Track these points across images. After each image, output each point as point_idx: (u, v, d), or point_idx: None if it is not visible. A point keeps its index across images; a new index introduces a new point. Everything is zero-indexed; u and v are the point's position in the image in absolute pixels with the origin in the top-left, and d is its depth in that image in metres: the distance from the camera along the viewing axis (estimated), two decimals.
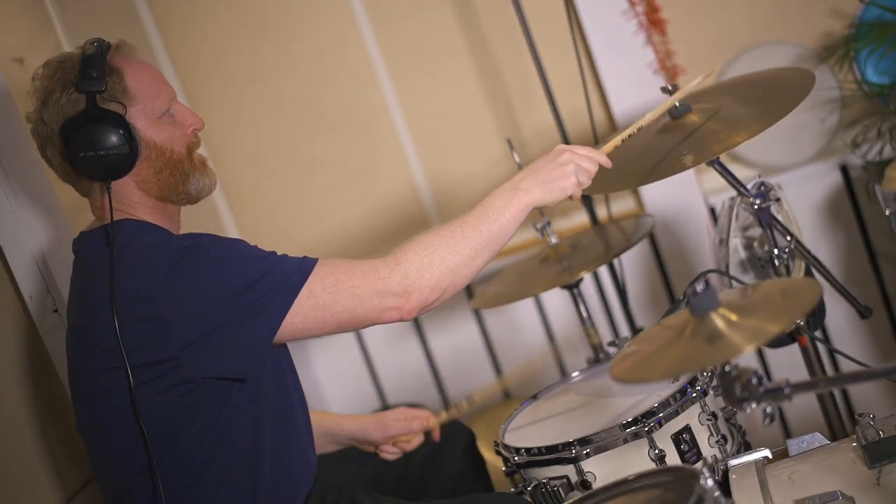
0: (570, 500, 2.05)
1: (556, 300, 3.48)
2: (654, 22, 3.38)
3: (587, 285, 3.18)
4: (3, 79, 2.64)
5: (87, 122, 2.03)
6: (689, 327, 1.61)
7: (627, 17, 3.32)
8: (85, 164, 2.05)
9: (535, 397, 2.51)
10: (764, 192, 2.45)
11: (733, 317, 1.58)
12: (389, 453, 2.49)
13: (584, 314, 2.82)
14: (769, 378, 3.31)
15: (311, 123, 3.66)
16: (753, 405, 1.58)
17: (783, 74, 2.48)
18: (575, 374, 2.54)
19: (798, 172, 3.33)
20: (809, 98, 3.16)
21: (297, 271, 2.01)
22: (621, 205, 3.39)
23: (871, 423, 1.93)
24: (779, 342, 2.61)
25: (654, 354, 1.64)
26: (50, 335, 2.50)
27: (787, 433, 3.33)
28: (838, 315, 3.21)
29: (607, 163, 2.19)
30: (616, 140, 2.24)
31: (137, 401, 1.97)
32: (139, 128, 2.07)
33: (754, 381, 1.58)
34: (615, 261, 3.02)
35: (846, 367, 3.26)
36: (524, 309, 3.56)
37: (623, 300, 3.08)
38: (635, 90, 3.27)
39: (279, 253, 2.07)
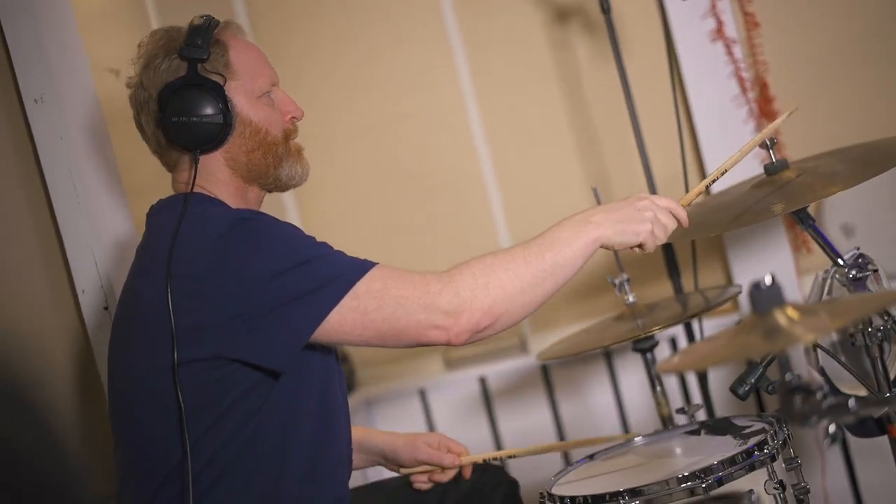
0: None
1: (631, 368, 3.30)
2: (765, 113, 3.27)
3: (663, 351, 3.00)
4: (93, 85, 2.65)
5: (184, 87, 1.99)
6: (749, 324, 1.44)
7: (738, 104, 3.21)
8: (177, 131, 2.00)
9: (591, 457, 2.33)
10: (861, 263, 2.28)
11: (796, 315, 1.41)
12: (422, 483, 2.33)
13: (656, 381, 2.63)
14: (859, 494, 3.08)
15: (404, 183, 3.61)
16: (815, 421, 1.40)
17: (888, 140, 2.33)
18: (638, 438, 2.36)
19: None
20: None
21: (349, 269, 1.91)
22: (710, 279, 3.21)
23: None
24: (867, 431, 2.39)
25: (708, 349, 1.48)
26: (97, 333, 2.43)
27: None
28: None
29: (685, 220, 2.05)
30: (700, 186, 2.12)
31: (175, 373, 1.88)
32: (236, 103, 2.03)
33: (818, 394, 1.41)
34: (696, 328, 2.84)
35: None
36: (596, 374, 3.39)
37: (701, 373, 2.89)
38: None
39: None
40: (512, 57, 3.50)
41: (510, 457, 2.43)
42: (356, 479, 3.00)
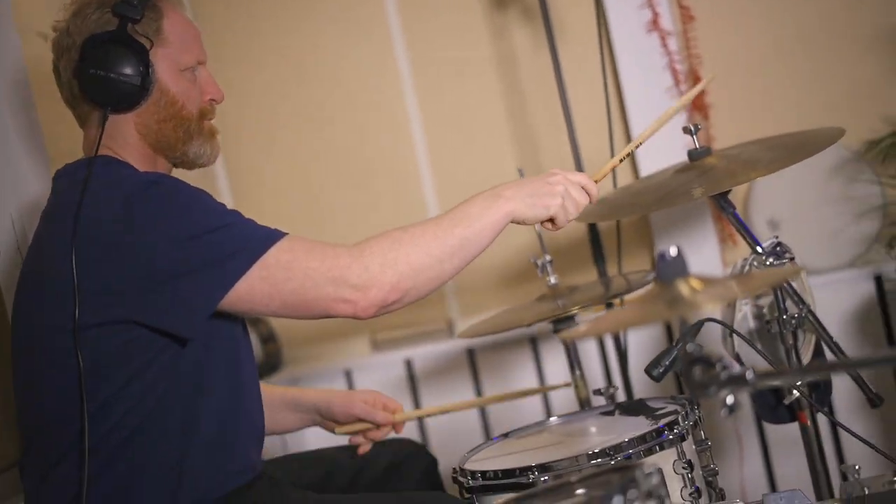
0: (505, 499, 1.85)
1: (554, 353, 3.32)
2: (697, 105, 3.29)
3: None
4: (20, 48, 2.61)
5: (109, 42, 1.96)
6: (654, 293, 1.45)
7: (671, 96, 3.24)
8: (92, 84, 1.97)
9: (506, 435, 2.33)
10: (779, 252, 2.31)
11: (699, 285, 1.42)
12: (358, 442, 2.38)
13: (575, 364, 2.64)
14: (775, 484, 3.12)
15: (339, 167, 3.60)
16: (713, 392, 1.41)
17: (814, 131, 2.36)
18: (553, 418, 2.37)
19: (832, 277, 3.17)
20: (852, 203, 3.11)
21: (260, 238, 1.90)
22: (636, 267, 3.23)
23: (856, 475, 1.75)
24: (778, 418, 2.43)
25: (614, 318, 1.48)
26: (11, 295, 2.38)
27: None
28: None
29: (594, 195, 2.06)
30: (614, 161, 2.14)
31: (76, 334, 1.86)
32: (158, 70, 2.00)
33: (717, 366, 1.42)
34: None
35: (849, 451, 3.08)
36: (520, 358, 3.40)
37: (620, 353, 2.91)
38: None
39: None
40: (450, 42, 3.50)
41: (443, 412, 2.41)
42: (276, 448, 2.99)
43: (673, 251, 1.45)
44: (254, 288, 1.86)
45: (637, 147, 2.14)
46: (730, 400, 1.42)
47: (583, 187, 2.01)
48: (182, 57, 2.04)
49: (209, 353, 1.96)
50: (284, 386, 2.39)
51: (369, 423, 2.35)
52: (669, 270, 1.44)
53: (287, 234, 1.91)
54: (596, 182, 2.06)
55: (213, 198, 1.95)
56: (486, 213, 1.97)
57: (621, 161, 2.12)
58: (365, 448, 2.38)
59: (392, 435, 2.41)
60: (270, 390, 2.34)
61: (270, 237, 1.89)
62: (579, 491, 1.48)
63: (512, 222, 2.00)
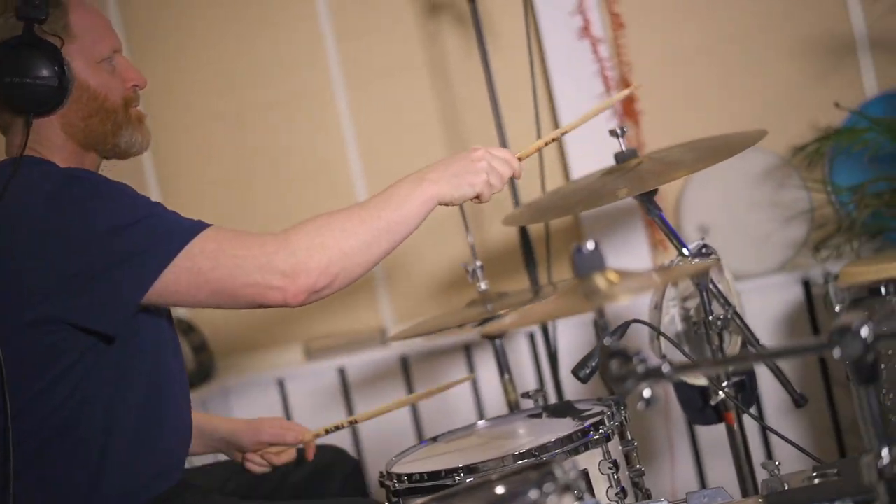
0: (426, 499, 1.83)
1: (487, 359, 3.32)
2: (628, 112, 3.32)
3: (519, 343, 3.00)
4: None
5: (19, 47, 1.92)
6: (573, 286, 1.45)
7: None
8: (9, 92, 1.93)
9: (434, 439, 2.32)
10: (704, 253, 2.32)
11: (616, 278, 1.42)
12: (256, 464, 2.29)
13: (504, 369, 2.64)
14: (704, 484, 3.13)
15: (270, 167, 3.59)
16: (630, 385, 1.41)
17: (737, 134, 2.38)
18: (481, 422, 2.36)
19: (761, 281, 3.20)
20: (780, 208, 3.15)
21: (183, 229, 1.87)
22: (568, 272, 3.24)
23: (776, 472, 1.76)
24: (705, 419, 2.44)
25: (533, 311, 1.48)
26: None
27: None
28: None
29: (518, 171, 2.05)
30: (539, 143, 2.15)
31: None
32: (74, 67, 1.96)
33: (635, 360, 1.42)
34: (549, 322, 2.86)
35: (779, 450, 3.10)
36: (454, 365, 3.39)
37: (551, 355, 2.91)
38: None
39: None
40: (382, 46, 3.50)
41: (353, 423, 2.38)
42: (205, 458, 2.93)
43: (589, 245, 1.45)
44: (179, 279, 1.84)
45: (563, 134, 2.15)
46: (647, 393, 1.42)
47: (505, 160, 2.01)
48: (95, 49, 1.99)
49: (133, 350, 1.93)
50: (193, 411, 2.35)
51: (280, 445, 2.31)
52: (586, 264, 1.44)
53: (212, 224, 1.89)
54: (520, 160, 2.06)
55: (134, 190, 1.92)
56: (412, 196, 1.96)
57: (546, 144, 2.13)
58: (263, 469, 2.32)
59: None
60: None
61: (194, 227, 1.87)
62: (498, 488, 1.47)
63: (440, 204, 2.00)
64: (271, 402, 3.53)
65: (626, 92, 2.25)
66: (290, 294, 1.87)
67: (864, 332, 1.27)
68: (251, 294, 1.87)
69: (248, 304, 1.90)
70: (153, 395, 1.97)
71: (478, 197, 2.00)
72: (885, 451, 1.28)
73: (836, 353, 1.29)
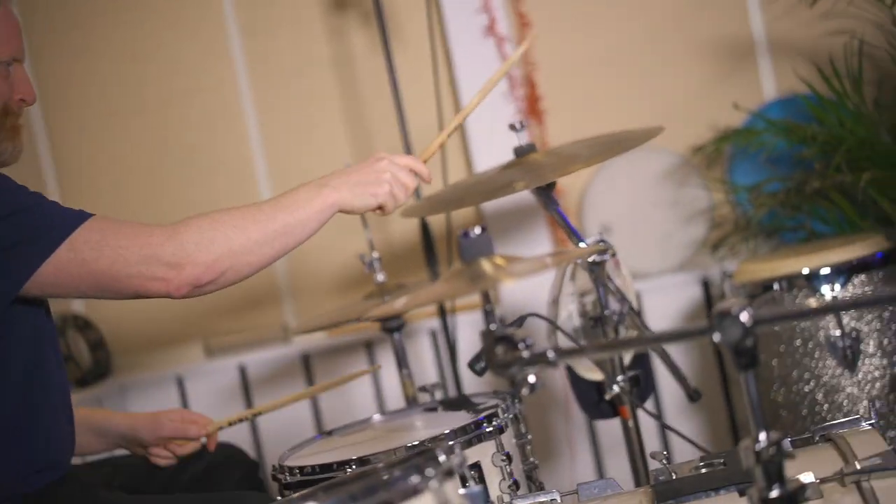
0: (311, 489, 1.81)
1: (389, 355, 3.30)
2: (533, 111, 3.33)
3: (420, 337, 2.99)
4: None
5: None
6: (459, 270, 1.44)
7: (506, 101, 3.26)
8: None
9: (329, 433, 2.30)
10: (601, 249, 2.33)
11: (502, 262, 1.42)
12: (161, 457, 2.24)
13: (402, 364, 2.63)
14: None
15: (172, 162, 3.54)
16: (516, 370, 1.41)
17: (634, 130, 2.40)
18: (376, 416, 2.35)
19: (661, 281, 3.24)
20: (681, 207, 3.19)
21: (65, 219, 1.83)
22: None
23: (664, 462, 1.78)
24: (601, 413, 2.45)
25: (423, 294, 1.47)
26: None
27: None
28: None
29: (426, 176, 2.04)
30: (439, 139, 2.13)
31: None
32: None
33: (520, 345, 1.42)
34: (448, 318, 2.86)
35: (675, 442, 3.13)
36: (356, 362, 3.38)
37: (450, 349, 2.91)
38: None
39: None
40: (288, 43, 3.47)
41: (256, 415, 2.35)
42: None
43: (476, 230, 1.44)
44: (61, 269, 1.80)
45: (462, 121, 2.15)
46: (532, 378, 1.42)
47: (411, 169, 2.00)
48: None
49: (8, 342, 1.88)
50: (89, 408, 2.27)
51: (181, 440, 2.27)
52: (472, 249, 1.43)
53: (95, 214, 1.85)
54: (424, 161, 2.05)
55: (13, 181, 1.87)
56: (311, 202, 1.94)
57: (449, 136, 2.12)
58: (168, 462, 2.28)
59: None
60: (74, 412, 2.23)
61: (77, 217, 1.83)
62: (382, 475, 1.45)
63: (340, 212, 1.98)
64: (170, 401, 3.47)
65: (522, 48, 2.23)
66: (173, 286, 1.84)
67: (744, 316, 1.28)
68: (135, 284, 1.84)
69: (132, 294, 1.86)
70: (29, 386, 1.91)
71: (381, 208, 1.98)
72: (762, 435, 1.29)
73: (717, 337, 1.29)
